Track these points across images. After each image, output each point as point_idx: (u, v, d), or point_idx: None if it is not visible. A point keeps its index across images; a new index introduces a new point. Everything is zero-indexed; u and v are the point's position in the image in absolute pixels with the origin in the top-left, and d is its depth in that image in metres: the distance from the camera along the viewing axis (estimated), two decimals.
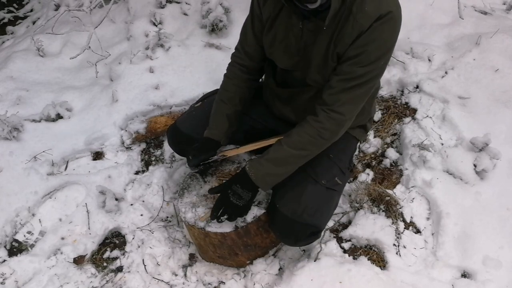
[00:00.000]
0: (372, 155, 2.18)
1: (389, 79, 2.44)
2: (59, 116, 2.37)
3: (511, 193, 1.88)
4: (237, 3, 2.86)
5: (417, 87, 2.36)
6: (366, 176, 2.09)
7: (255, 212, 1.60)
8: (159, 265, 1.87)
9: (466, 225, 1.80)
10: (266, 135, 1.72)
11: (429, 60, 2.47)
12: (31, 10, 4.02)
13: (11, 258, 1.86)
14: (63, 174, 2.13)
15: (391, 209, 1.89)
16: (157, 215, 2.05)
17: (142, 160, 2.29)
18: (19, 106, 2.39)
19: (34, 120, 2.34)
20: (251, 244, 1.70)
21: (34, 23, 3.70)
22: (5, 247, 1.89)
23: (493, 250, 1.74)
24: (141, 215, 2.04)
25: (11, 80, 2.59)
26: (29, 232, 1.92)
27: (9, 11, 4.05)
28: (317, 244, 1.78)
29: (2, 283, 1.78)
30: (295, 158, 1.47)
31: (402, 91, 2.41)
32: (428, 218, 1.89)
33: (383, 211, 1.90)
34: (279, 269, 1.80)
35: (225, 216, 1.52)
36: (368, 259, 1.75)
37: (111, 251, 1.93)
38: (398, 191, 1.98)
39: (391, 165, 2.12)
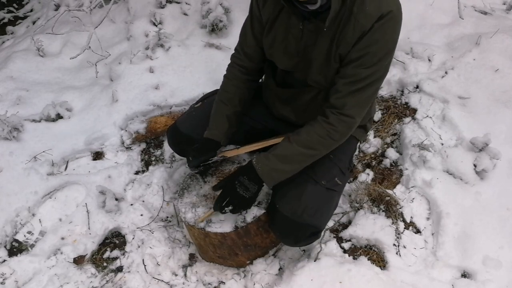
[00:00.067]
0: (372, 155, 2.18)
1: (389, 79, 2.44)
2: (59, 116, 2.37)
3: (511, 193, 1.89)
4: (237, 3, 2.86)
5: (417, 87, 2.36)
6: (366, 176, 2.09)
7: (255, 212, 1.60)
8: (159, 265, 1.87)
9: (466, 225, 1.80)
10: (266, 135, 1.72)
11: (429, 60, 2.48)
12: (31, 10, 4.02)
13: (11, 258, 1.86)
14: (63, 174, 2.13)
15: (391, 209, 1.89)
16: (157, 215, 2.05)
17: (142, 160, 2.29)
18: (19, 106, 2.39)
19: (34, 120, 2.34)
20: (251, 244, 1.70)
21: (34, 23, 3.70)
22: (5, 247, 1.89)
23: (493, 250, 1.74)
24: (141, 215, 2.04)
25: (11, 80, 2.59)
26: (29, 232, 1.92)
27: (9, 11, 4.05)
28: (317, 244, 1.78)
29: (2, 283, 1.78)
30: (302, 157, 1.47)
31: (402, 91, 2.41)
32: (428, 218, 1.89)
33: (383, 211, 1.90)
34: (279, 269, 1.81)
35: (230, 208, 1.49)
36: (368, 259, 1.75)
37: (111, 251, 1.93)
38: (398, 191, 1.98)
39: (391, 165, 2.12)
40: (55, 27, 2.71)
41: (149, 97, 2.43)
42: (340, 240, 1.85)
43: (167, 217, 2.06)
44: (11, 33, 3.73)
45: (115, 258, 1.91)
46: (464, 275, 1.72)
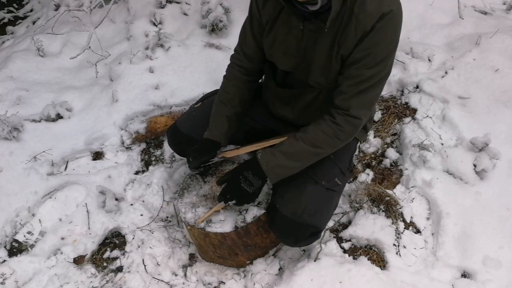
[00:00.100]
0: (372, 155, 2.18)
1: (389, 79, 2.44)
2: (59, 116, 2.37)
3: (511, 193, 1.89)
4: (237, 3, 2.86)
5: (417, 87, 2.36)
6: (366, 176, 2.09)
7: (255, 212, 1.60)
8: (159, 265, 1.87)
9: (466, 225, 1.80)
10: (266, 135, 1.72)
11: (429, 60, 2.47)
12: (31, 10, 4.02)
13: (11, 258, 1.86)
14: (63, 174, 2.13)
15: (391, 209, 1.89)
16: (157, 215, 2.05)
17: (142, 160, 2.29)
18: (19, 106, 2.39)
19: (34, 120, 2.34)
20: (251, 244, 1.70)
21: (34, 23, 3.70)
22: (5, 247, 1.89)
23: (493, 250, 1.74)
24: (141, 215, 2.04)
25: (11, 80, 2.59)
26: (29, 232, 1.92)
27: (9, 11, 4.05)
28: (317, 244, 1.78)
29: (2, 283, 1.78)
30: (308, 155, 1.48)
31: (402, 91, 2.41)
32: (428, 218, 1.89)
33: (383, 211, 1.90)
34: (279, 269, 1.81)
35: (233, 201, 1.51)
36: (368, 259, 1.75)
37: (111, 251, 1.93)
38: (398, 191, 1.98)
39: (391, 165, 2.12)
40: (55, 27, 2.71)
41: (149, 97, 2.43)
42: (340, 240, 1.85)
43: (167, 217, 2.06)
44: (11, 33, 3.73)
45: (115, 258, 1.91)
46: (464, 275, 1.72)
